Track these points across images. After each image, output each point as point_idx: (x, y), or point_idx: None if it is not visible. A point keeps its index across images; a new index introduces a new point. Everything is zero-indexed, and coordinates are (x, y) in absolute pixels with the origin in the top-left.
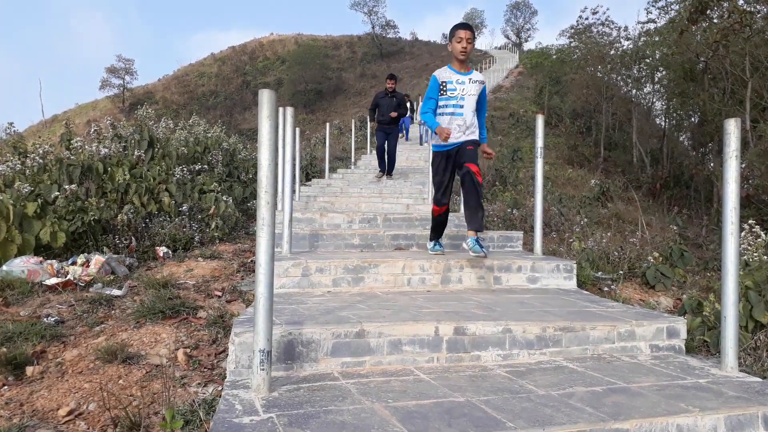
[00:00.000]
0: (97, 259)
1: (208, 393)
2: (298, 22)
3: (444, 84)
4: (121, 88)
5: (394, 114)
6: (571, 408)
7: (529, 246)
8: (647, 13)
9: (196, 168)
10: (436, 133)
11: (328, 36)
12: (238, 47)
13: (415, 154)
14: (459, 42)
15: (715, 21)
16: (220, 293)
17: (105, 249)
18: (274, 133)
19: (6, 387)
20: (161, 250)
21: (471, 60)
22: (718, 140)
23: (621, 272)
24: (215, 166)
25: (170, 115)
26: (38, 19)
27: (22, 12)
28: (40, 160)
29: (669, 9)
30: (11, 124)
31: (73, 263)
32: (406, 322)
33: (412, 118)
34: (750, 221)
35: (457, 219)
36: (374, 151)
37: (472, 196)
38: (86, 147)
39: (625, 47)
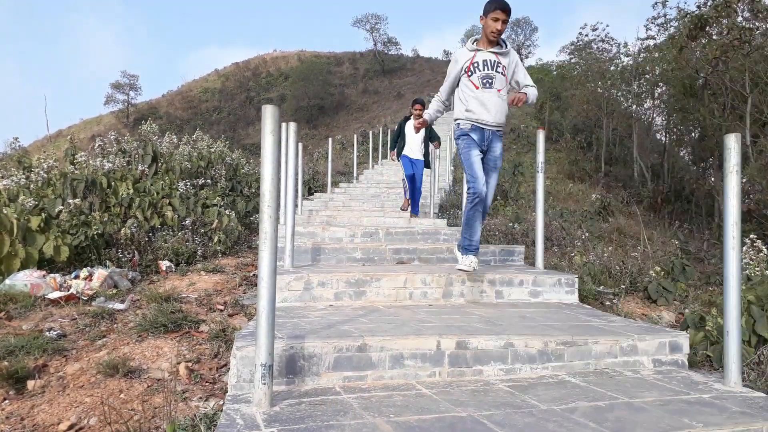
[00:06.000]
0: (100, 273)
1: (210, 407)
2: (300, 39)
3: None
4: (126, 104)
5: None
6: (573, 423)
7: (530, 260)
8: (647, 30)
9: (200, 182)
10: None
11: (330, 52)
12: (242, 63)
13: None
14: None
15: (714, 37)
16: (222, 307)
17: (108, 263)
18: (277, 148)
19: (7, 401)
20: (164, 264)
21: None
22: (719, 155)
23: (623, 286)
24: (218, 181)
25: (174, 130)
26: (47, 35)
27: (32, 28)
28: (45, 175)
29: (668, 26)
30: (16, 138)
31: (76, 277)
32: (407, 337)
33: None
34: (751, 236)
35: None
36: (377, 166)
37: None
38: (90, 161)
39: (625, 63)
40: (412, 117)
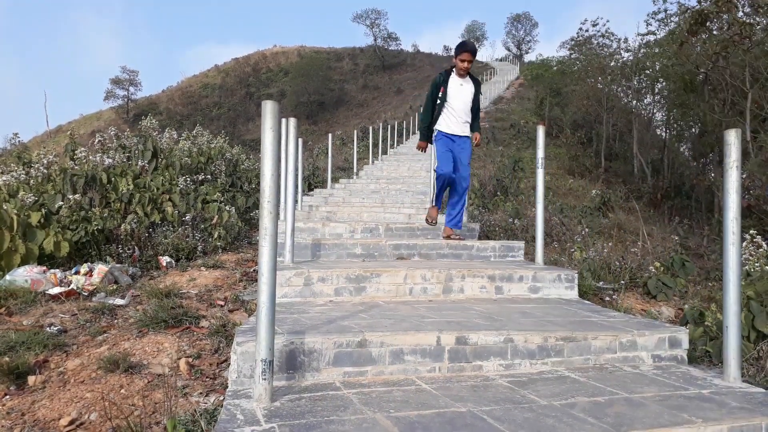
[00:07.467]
0: (100, 269)
1: (210, 403)
2: (300, 35)
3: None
4: (126, 99)
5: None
6: (573, 418)
7: (530, 256)
8: (647, 25)
9: (200, 178)
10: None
11: (330, 48)
12: (242, 59)
13: (416, 164)
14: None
15: (714, 33)
16: (222, 303)
17: (108, 258)
18: (277, 144)
19: (8, 396)
20: (164, 260)
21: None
22: (719, 151)
23: (622, 282)
24: (218, 176)
25: (174, 126)
26: (47, 31)
27: (33, 25)
28: (45, 170)
29: (669, 21)
30: (16, 134)
31: (77, 273)
32: (407, 332)
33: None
34: (751, 231)
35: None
36: (377, 161)
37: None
38: (90, 157)
39: (625, 59)
40: (454, 72)
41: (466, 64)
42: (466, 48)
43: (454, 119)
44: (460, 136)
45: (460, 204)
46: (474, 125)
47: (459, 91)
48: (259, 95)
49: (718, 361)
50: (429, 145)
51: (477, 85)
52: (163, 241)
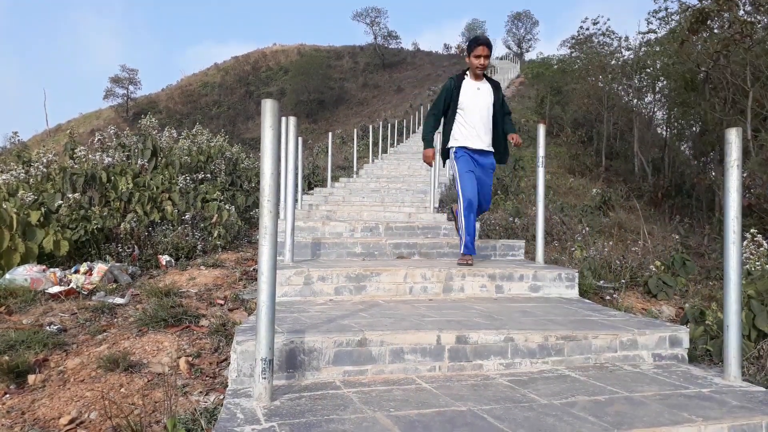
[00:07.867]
0: (99, 268)
1: (210, 401)
2: (300, 33)
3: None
4: (125, 98)
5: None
6: (573, 417)
7: (530, 255)
8: (648, 24)
9: (199, 177)
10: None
11: (330, 46)
12: (241, 57)
13: (417, 163)
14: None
15: (715, 31)
16: (222, 302)
17: (108, 257)
18: (277, 143)
19: (8, 395)
20: (164, 259)
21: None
22: (720, 149)
23: (623, 281)
24: (218, 175)
25: (173, 125)
26: (47, 31)
27: (32, 24)
28: (44, 169)
29: (669, 19)
30: (16, 133)
31: (76, 272)
32: (407, 331)
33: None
34: (752, 230)
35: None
36: (377, 160)
37: None
38: (90, 156)
39: (625, 57)
40: (467, 75)
41: (482, 60)
42: (479, 41)
43: (473, 131)
44: (484, 151)
45: (472, 228)
46: (508, 126)
47: (476, 97)
48: (258, 94)
49: (718, 360)
50: (436, 153)
51: (497, 87)
52: (163, 240)
